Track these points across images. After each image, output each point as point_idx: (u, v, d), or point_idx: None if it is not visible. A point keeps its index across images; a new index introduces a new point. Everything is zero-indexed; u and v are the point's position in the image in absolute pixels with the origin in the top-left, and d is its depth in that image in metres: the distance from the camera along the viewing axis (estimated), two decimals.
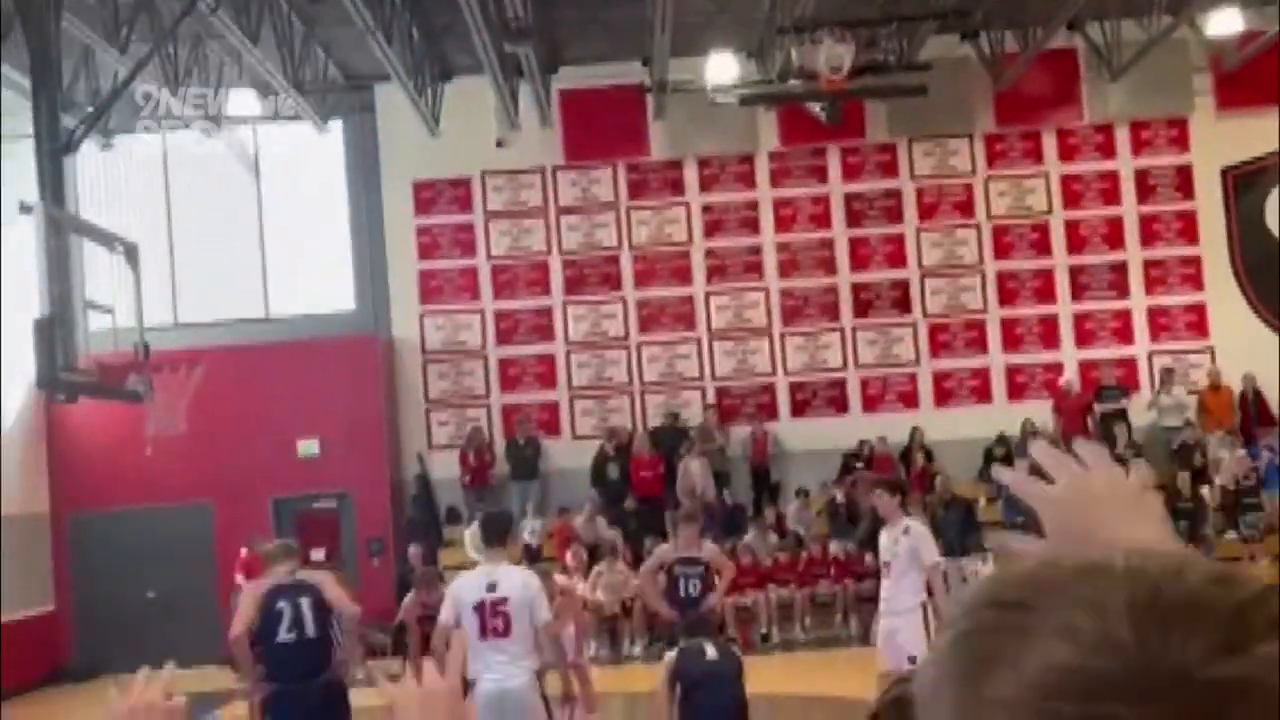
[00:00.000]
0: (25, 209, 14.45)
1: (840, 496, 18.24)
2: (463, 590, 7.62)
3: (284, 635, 7.81)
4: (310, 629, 7.86)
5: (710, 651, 7.79)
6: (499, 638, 7.44)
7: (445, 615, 7.62)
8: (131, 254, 15.90)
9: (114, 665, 15.54)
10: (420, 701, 1.63)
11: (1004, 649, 0.72)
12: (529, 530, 18.09)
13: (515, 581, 7.63)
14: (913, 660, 9.08)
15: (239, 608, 8.16)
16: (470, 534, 18.22)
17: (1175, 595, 0.70)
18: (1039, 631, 0.71)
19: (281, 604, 7.85)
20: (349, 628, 8.23)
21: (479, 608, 7.48)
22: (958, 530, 16.82)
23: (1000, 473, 1.32)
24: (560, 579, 9.98)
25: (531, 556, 17.45)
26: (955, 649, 0.75)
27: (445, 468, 19.26)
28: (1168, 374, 19.13)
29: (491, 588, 7.50)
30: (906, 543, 9.11)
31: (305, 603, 7.87)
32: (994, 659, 0.72)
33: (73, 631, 18.30)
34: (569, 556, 15.61)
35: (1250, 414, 19.00)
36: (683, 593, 9.60)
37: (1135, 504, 1.16)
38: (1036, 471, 1.24)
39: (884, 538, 9.39)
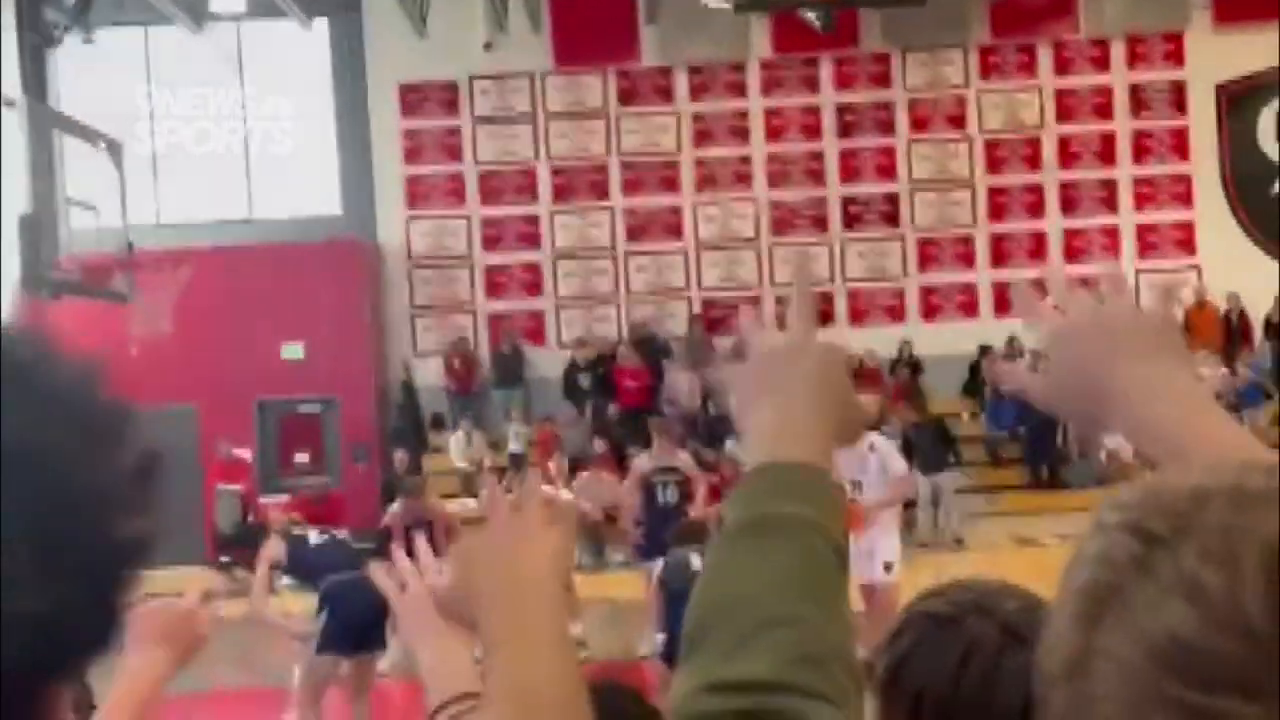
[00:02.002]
0: (8, 104, 14.26)
1: None
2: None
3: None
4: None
5: (695, 563, 7.85)
6: None
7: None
8: (114, 150, 15.72)
9: None
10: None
11: (1126, 592, 0.65)
12: (513, 437, 18.14)
13: None
14: (888, 567, 9.15)
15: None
16: (455, 441, 18.29)
17: None
18: (1165, 579, 0.63)
19: None
20: None
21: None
22: (931, 446, 16.82)
23: (1017, 296, 1.24)
24: (545, 489, 10.02)
25: (516, 464, 17.53)
26: (1081, 572, 0.68)
27: (430, 374, 19.25)
28: (1168, 290, 19.08)
29: None
30: (875, 459, 9.19)
31: None
32: (1114, 600, 0.65)
33: None
34: (551, 465, 15.69)
35: (1233, 333, 19.06)
36: (660, 500, 9.68)
37: (1153, 336, 1.11)
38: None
39: (846, 456, 9.34)
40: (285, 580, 8.54)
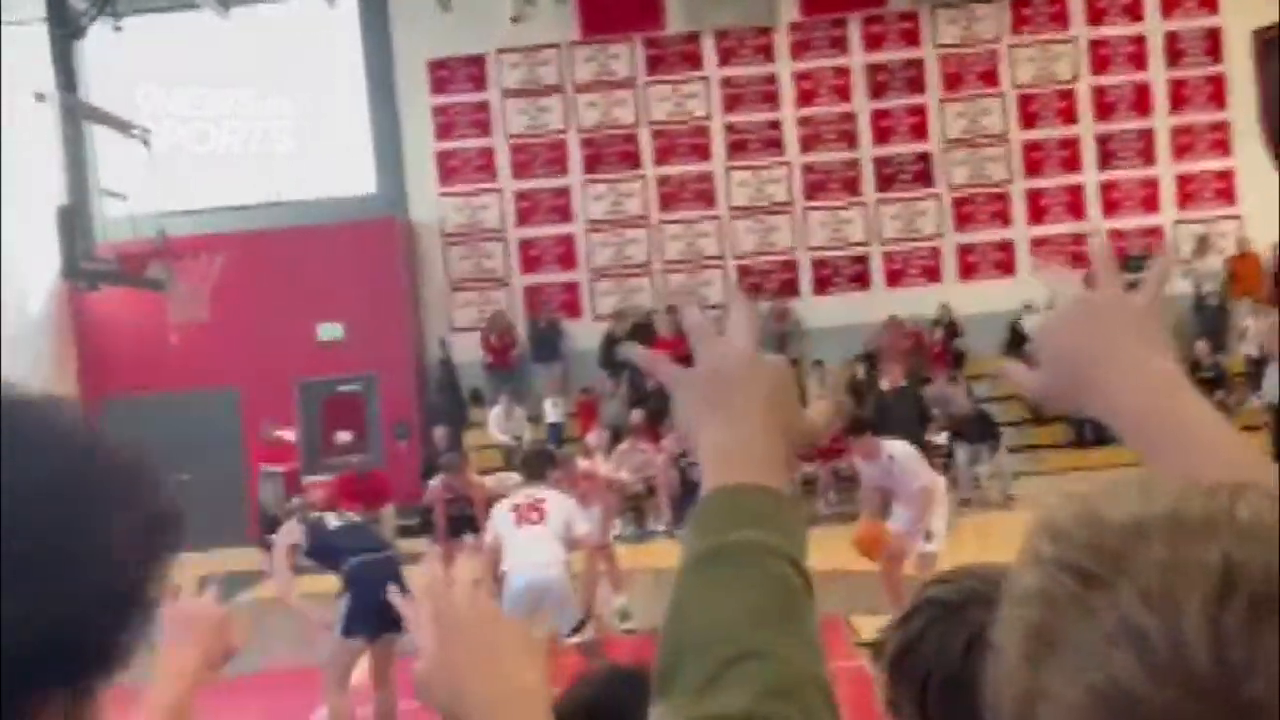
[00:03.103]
0: (40, 97, 14.36)
1: (861, 373, 18.19)
2: (503, 506, 8.02)
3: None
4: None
5: None
6: (532, 525, 7.67)
7: (488, 539, 7.95)
8: (146, 140, 15.81)
9: None
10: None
11: (1067, 634, 0.62)
12: (551, 409, 18.17)
13: (554, 492, 8.08)
14: (929, 536, 9.14)
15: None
16: (494, 416, 18.33)
17: (1267, 585, 0.59)
18: (1105, 623, 0.61)
19: None
20: None
21: (516, 507, 7.86)
22: (973, 428, 16.76)
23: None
24: (583, 463, 10.04)
25: (555, 435, 17.57)
26: (1022, 608, 0.66)
27: (468, 350, 19.29)
28: (1202, 241, 18.89)
29: (530, 495, 7.96)
30: (896, 469, 9.14)
31: None
32: (1056, 643, 0.63)
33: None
34: (591, 436, 15.70)
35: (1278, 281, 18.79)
36: (694, 479, 9.69)
37: (1135, 331, 1.10)
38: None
39: (870, 468, 9.29)
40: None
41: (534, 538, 7.67)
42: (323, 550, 7.95)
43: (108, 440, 0.86)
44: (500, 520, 7.92)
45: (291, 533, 8.10)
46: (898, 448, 9.39)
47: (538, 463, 8.54)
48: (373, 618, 7.36)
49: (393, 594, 1.43)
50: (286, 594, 7.77)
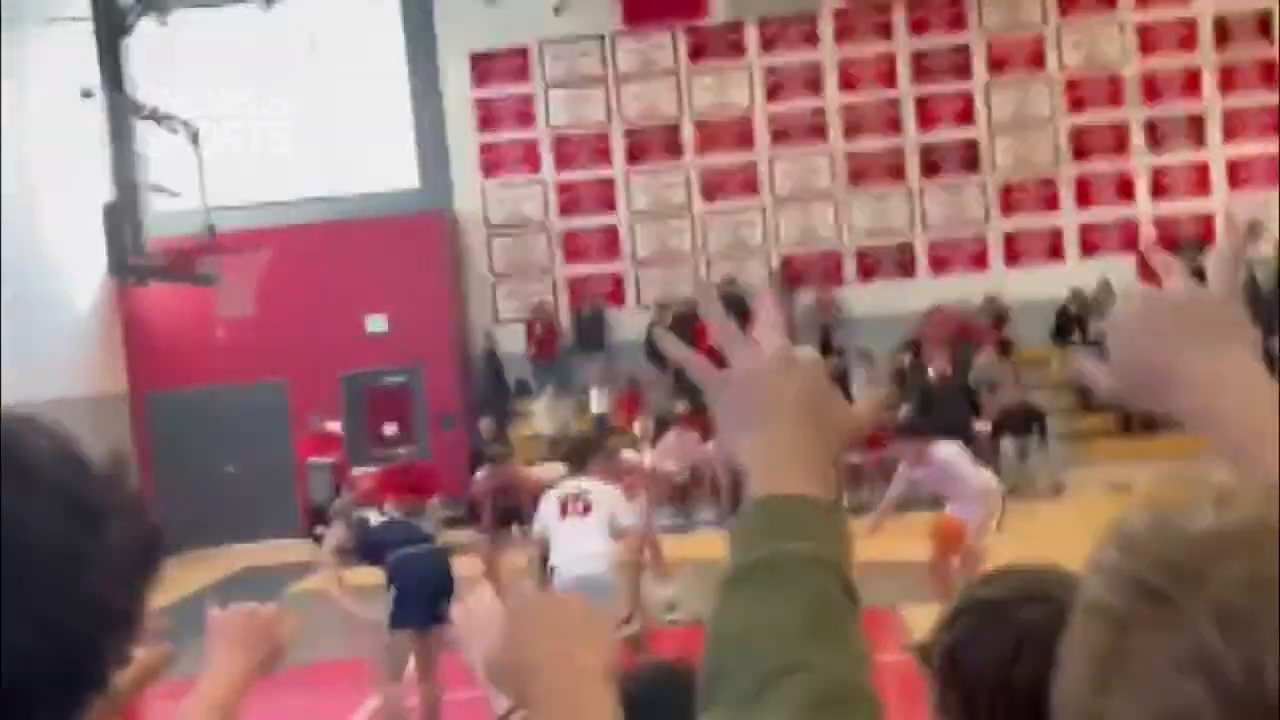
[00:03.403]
0: (87, 94, 14.49)
1: (907, 363, 18.07)
2: (549, 499, 7.99)
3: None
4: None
5: None
6: (580, 518, 7.71)
7: (535, 531, 7.99)
8: (194, 136, 15.93)
9: (196, 538, 15.95)
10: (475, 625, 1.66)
11: (1134, 658, 0.59)
12: (596, 399, 18.18)
13: (599, 484, 8.04)
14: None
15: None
16: (540, 407, 18.37)
17: None
18: (1175, 646, 0.57)
19: None
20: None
21: (562, 499, 7.87)
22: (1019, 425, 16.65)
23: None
24: (628, 454, 10.03)
25: (601, 426, 17.58)
26: (1092, 625, 0.63)
27: (513, 341, 19.34)
28: (1254, 226, 18.61)
29: (576, 486, 7.95)
30: (949, 472, 9.03)
31: None
32: (1123, 666, 0.59)
33: (154, 506, 18.70)
34: (637, 426, 15.70)
35: None
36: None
37: (1215, 321, 1.06)
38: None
39: (922, 472, 9.16)
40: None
41: (581, 531, 7.68)
42: (368, 549, 8.02)
43: (96, 458, 0.88)
44: (547, 513, 7.94)
45: (337, 534, 8.19)
46: (949, 451, 9.24)
47: (582, 453, 8.55)
48: (417, 609, 7.43)
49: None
50: (336, 595, 7.84)
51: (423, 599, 7.47)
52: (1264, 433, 0.96)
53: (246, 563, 15.57)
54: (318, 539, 15.90)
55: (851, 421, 1.11)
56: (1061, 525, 13.91)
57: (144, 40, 18.28)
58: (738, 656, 0.93)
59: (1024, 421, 16.61)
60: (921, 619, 8.54)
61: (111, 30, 14.95)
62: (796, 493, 1.01)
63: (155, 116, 16.12)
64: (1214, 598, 0.57)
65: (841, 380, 18.25)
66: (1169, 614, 0.58)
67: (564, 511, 7.84)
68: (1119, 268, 18.29)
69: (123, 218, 14.38)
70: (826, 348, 18.97)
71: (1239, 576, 0.58)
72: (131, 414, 18.83)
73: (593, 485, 8.04)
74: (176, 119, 16.12)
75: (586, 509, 7.78)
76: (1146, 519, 0.64)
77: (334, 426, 17.88)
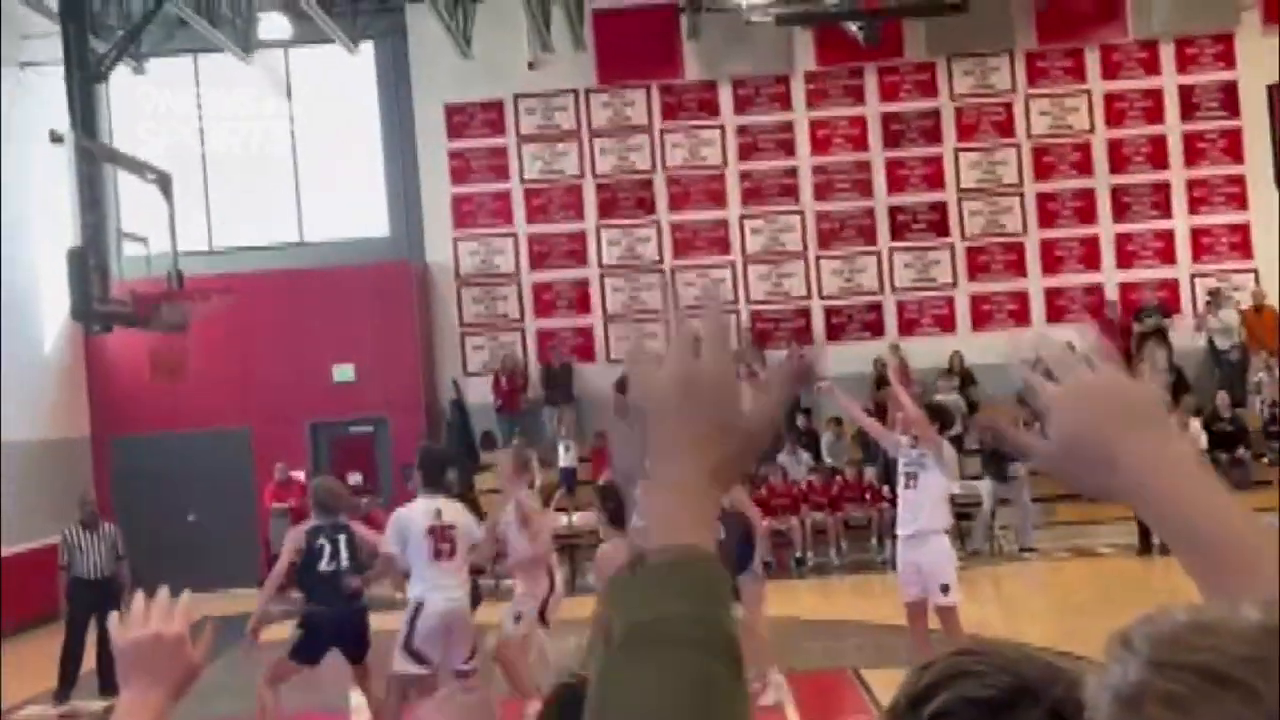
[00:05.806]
0: (56, 139, 14.43)
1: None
2: (412, 520, 8.16)
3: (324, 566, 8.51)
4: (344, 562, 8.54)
5: None
6: (448, 560, 8.08)
7: (392, 545, 8.19)
8: (164, 183, 15.88)
9: (156, 585, 15.73)
10: None
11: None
12: (563, 453, 18.12)
13: (456, 508, 8.38)
14: (945, 589, 8.65)
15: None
16: (500, 460, 18.25)
17: None
18: (1240, 716, 0.67)
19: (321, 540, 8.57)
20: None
21: (431, 531, 8.08)
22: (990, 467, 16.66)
23: (1022, 368, 1.30)
24: (525, 501, 9.90)
25: (569, 480, 17.52)
26: (1135, 712, 0.72)
27: (481, 392, 19.29)
28: (1215, 295, 18.84)
29: (438, 515, 8.15)
30: (935, 461, 8.79)
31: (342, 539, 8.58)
32: None
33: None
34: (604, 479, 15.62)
35: None
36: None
37: (1137, 409, 1.14)
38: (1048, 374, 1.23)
39: (909, 453, 8.93)
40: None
41: (446, 571, 8.08)
42: (305, 582, 8.54)
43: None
44: (416, 544, 8.13)
45: (296, 540, 8.59)
46: (949, 452, 9.22)
47: (436, 469, 8.69)
48: (312, 656, 8.29)
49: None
50: (264, 601, 8.47)
51: (321, 651, 8.33)
52: (1201, 511, 1.05)
53: (206, 611, 15.36)
54: (280, 588, 15.75)
55: (750, 433, 1.12)
56: (1031, 588, 13.90)
57: (118, 87, 18.30)
58: None
59: (995, 468, 16.48)
60: (882, 681, 8.50)
61: (85, 75, 14.93)
62: (679, 544, 1.02)
63: (125, 163, 16.08)
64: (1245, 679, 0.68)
65: (811, 439, 18.28)
66: (1233, 694, 0.68)
67: (435, 554, 8.13)
68: (1084, 333, 18.37)
69: (86, 263, 14.27)
70: (795, 407, 19.00)
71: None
72: (94, 459, 18.64)
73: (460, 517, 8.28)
74: (147, 165, 16.09)
75: (453, 550, 8.11)
76: (1175, 621, 0.74)
77: (299, 475, 17.74)
